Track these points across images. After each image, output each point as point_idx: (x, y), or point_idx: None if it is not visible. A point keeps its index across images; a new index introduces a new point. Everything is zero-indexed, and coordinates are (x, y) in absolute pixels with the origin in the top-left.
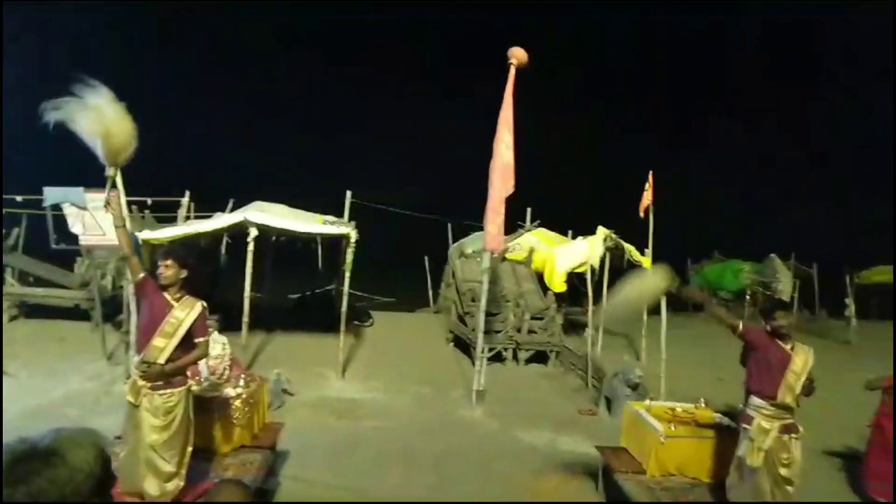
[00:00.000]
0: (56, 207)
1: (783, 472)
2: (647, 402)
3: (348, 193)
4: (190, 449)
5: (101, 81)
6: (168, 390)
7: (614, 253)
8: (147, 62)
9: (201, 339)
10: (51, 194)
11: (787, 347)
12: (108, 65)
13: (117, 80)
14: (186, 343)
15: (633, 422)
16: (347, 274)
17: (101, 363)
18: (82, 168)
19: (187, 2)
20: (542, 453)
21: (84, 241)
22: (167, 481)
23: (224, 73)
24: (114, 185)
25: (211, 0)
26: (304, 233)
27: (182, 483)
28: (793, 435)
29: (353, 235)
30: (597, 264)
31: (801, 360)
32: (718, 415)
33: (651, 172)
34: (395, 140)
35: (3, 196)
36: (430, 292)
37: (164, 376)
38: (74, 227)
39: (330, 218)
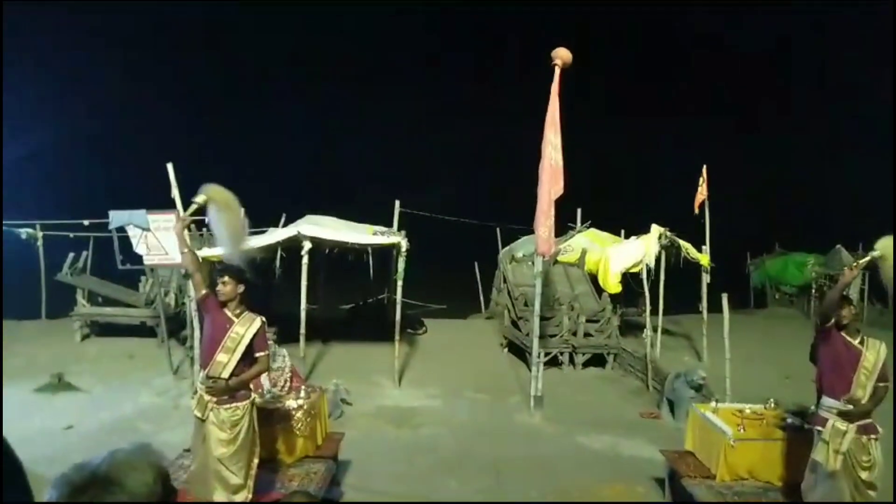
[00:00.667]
0: (121, 230)
1: (863, 475)
2: (713, 403)
3: (397, 203)
4: (256, 461)
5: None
6: (233, 404)
7: (670, 251)
8: (194, 76)
9: (262, 354)
10: (116, 217)
11: (856, 342)
12: (153, 80)
13: (163, 98)
14: (248, 357)
15: (698, 425)
16: (400, 283)
17: (168, 378)
18: (141, 191)
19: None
20: (604, 458)
21: (148, 260)
22: (235, 493)
23: (271, 84)
24: (193, 213)
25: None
26: (355, 244)
27: (250, 495)
28: (872, 436)
29: (404, 244)
30: (652, 263)
31: (873, 354)
32: (789, 415)
33: (705, 167)
34: (442, 146)
35: (71, 221)
36: (482, 298)
37: (229, 391)
38: (139, 247)
39: (380, 228)
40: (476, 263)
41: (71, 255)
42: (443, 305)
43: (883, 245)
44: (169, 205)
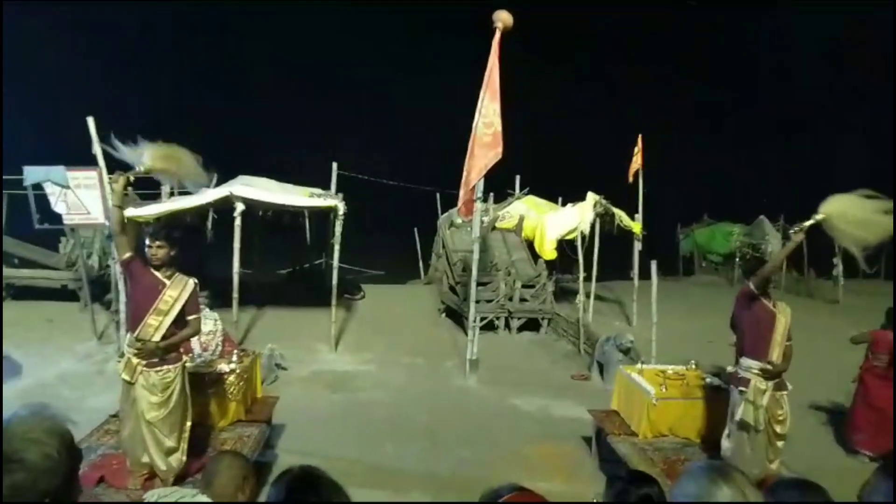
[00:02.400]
0: (37, 187)
1: (777, 428)
2: (639, 365)
3: (334, 165)
4: (189, 424)
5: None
6: (164, 367)
7: (604, 219)
8: (130, 33)
9: (194, 317)
10: (32, 173)
11: (771, 306)
12: (86, 34)
13: (95, 49)
14: (179, 320)
15: (624, 385)
16: (337, 247)
17: (91, 343)
18: (62, 146)
19: None
20: (536, 419)
21: (68, 220)
22: (168, 455)
23: (205, 45)
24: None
25: None
26: (291, 206)
27: (184, 457)
28: (783, 391)
29: (341, 208)
30: (587, 231)
31: (785, 317)
32: (708, 376)
33: (640, 137)
34: (380, 110)
35: None
36: (421, 263)
37: (160, 353)
38: (57, 206)
39: (317, 191)
40: (416, 229)
41: None
42: (381, 272)
43: (826, 208)
44: (89, 161)
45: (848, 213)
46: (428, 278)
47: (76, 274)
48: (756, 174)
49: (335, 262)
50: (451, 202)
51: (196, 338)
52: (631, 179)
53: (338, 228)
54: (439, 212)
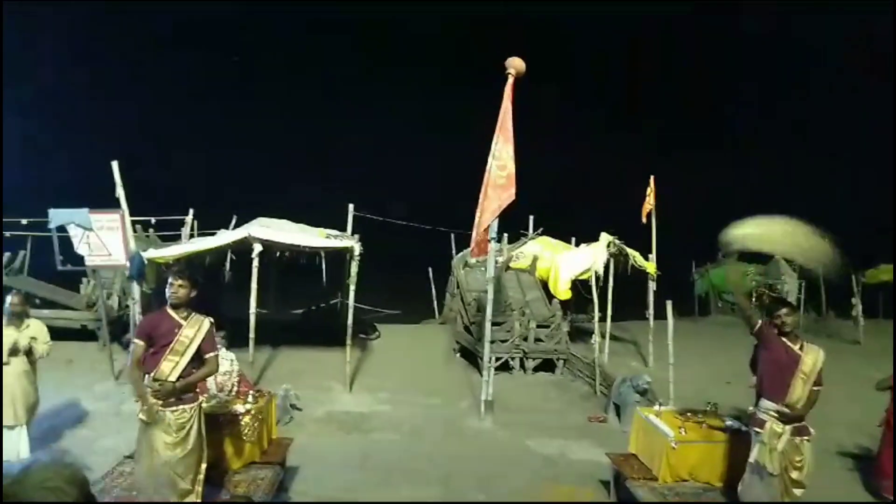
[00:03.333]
0: (61, 229)
1: (794, 474)
2: (657, 407)
3: (350, 206)
4: (204, 465)
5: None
6: (180, 406)
7: (618, 259)
8: (144, 79)
9: (211, 355)
10: (56, 216)
11: (796, 347)
12: (107, 82)
13: (115, 99)
14: (196, 360)
15: (642, 428)
16: (352, 287)
17: (109, 383)
18: (86, 190)
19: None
20: (552, 462)
21: (90, 261)
22: (183, 497)
23: (223, 90)
24: None
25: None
26: (307, 247)
27: (198, 500)
28: (804, 437)
29: (357, 248)
30: (601, 271)
31: (811, 360)
32: (728, 418)
33: (652, 177)
34: (394, 151)
35: (8, 220)
36: (435, 303)
37: (176, 393)
38: (80, 248)
39: (333, 232)
40: (430, 269)
41: (7, 254)
42: (396, 311)
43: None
44: (113, 204)
45: (782, 237)
46: (442, 318)
47: (96, 314)
48: (771, 213)
49: (350, 302)
50: (465, 243)
51: (212, 378)
52: (644, 220)
53: (353, 269)
54: (453, 252)
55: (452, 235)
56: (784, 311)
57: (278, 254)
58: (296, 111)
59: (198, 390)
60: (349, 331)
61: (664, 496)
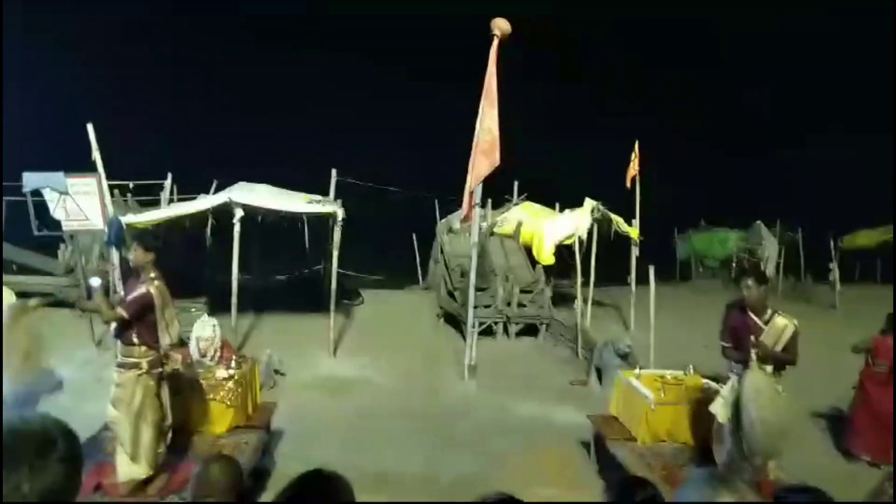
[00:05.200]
0: (36, 193)
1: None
2: (637, 370)
3: (333, 172)
4: (154, 441)
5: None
6: (119, 370)
7: (602, 224)
8: (126, 45)
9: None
10: (30, 180)
11: (760, 320)
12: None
13: (97, 65)
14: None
15: (623, 391)
16: (335, 253)
17: (90, 350)
18: (63, 153)
19: None
20: (534, 424)
21: (67, 226)
22: (132, 462)
23: (203, 53)
24: None
25: None
26: (290, 212)
27: (150, 471)
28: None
29: (340, 214)
30: (584, 236)
31: (775, 332)
32: (706, 381)
33: (637, 142)
34: (377, 116)
35: None
36: (419, 269)
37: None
38: (56, 212)
39: (315, 197)
40: (414, 235)
41: None
42: (380, 277)
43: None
44: (88, 168)
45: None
46: (426, 284)
47: (75, 280)
48: (753, 178)
49: (334, 268)
50: (449, 208)
51: (195, 343)
52: (629, 185)
53: (337, 234)
54: (437, 218)
55: (436, 201)
56: (748, 281)
57: (260, 219)
58: (280, 73)
59: (144, 359)
60: (333, 296)
61: (643, 456)
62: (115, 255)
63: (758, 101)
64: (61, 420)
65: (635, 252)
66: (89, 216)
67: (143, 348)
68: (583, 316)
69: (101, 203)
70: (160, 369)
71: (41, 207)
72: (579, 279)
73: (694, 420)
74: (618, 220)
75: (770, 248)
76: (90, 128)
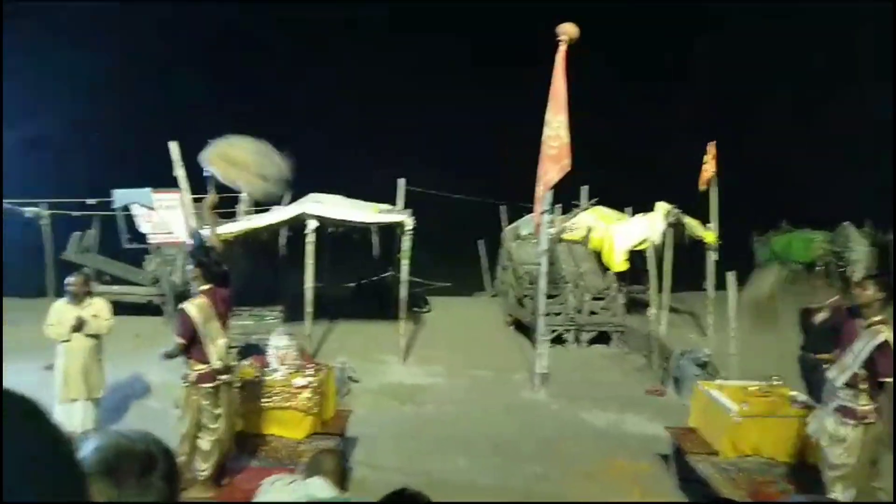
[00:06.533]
0: (125, 208)
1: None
2: (718, 380)
3: (400, 181)
4: (208, 448)
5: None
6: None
7: (676, 229)
8: (189, 52)
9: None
10: (120, 196)
11: (865, 324)
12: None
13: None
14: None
15: (703, 402)
16: (405, 262)
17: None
18: (148, 170)
19: None
20: (609, 435)
21: (152, 239)
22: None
23: (268, 63)
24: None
25: None
26: (360, 222)
27: (205, 480)
28: (847, 420)
29: (409, 223)
30: (658, 241)
31: (864, 341)
32: (795, 392)
33: (712, 143)
34: (444, 125)
35: (75, 200)
36: (487, 276)
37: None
38: (143, 226)
39: (385, 206)
40: (481, 241)
41: (76, 234)
42: (447, 283)
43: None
44: (173, 183)
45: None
46: (494, 291)
47: (160, 290)
48: (840, 176)
49: (403, 276)
50: (515, 214)
51: (274, 352)
52: (704, 186)
53: (406, 243)
54: (504, 224)
55: (503, 208)
56: (865, 283)
57: (331, 229)
58: (346, 86)
59: (194, 371)
60: (402, 304)
61: (727, 471)
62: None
63: (846, 93)
64: (161, 439)
65: (712, 257)
66: (173, 229)
67: (193, 362)
68: (657, 323)
69: (184, 217)
70: (214, 382)
71: (130, 222)
72: (653, 285)
73: (782, 434)
74: (693, 224)
75: (859, 252)
76: (173, 146)
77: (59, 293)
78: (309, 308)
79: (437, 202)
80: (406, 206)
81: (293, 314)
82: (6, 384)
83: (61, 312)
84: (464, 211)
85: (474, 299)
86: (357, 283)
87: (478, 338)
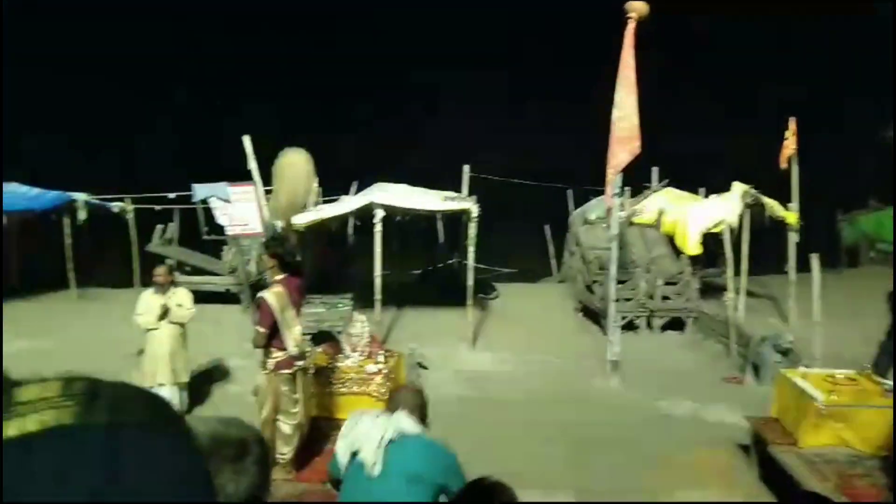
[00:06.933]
0: (204, 202)
1: None
2: (802, 368)
3: (465, 168)
4: (282, 426)
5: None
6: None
7: (754, 210)
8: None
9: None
10: (199, 190)
11: None
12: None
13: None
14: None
15: (786, 390)
16: (471, 249)
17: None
18: (223, 165)
19: None
20: (686, 424)
21: (230, 231)
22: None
23: (337, 56)
24: None
25: None
26: (427, 211)
27: (277, 457)
28: None
29: (475, 210)
30: (735, 223)
31: None
32: (886, 381)
33: (793, 119)
34: (507, 105)
35: (157, 195)
36: (553, 261)
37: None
38: (221, 218)
39: (450, 194)
40: (547, 227)
41: (159, 226)
42: (513, 270)
43: None
44: (247, 177)
45: None
46: (561, 276)
47: (237, 279)
48: None
49: (470, 264)
50: (581, 198)
51: (346, 339)
52: (784, 165)
53: (472, 230)
54: (570, 208)
55: (569, 192)
56: None
57: (398, 218)
58: (409, 73)
59: (273, 358)
60: (469, 291)
61: (813, 463)
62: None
63: None
64: (253, 426)
65: (794, 238)
66: (249, 221)
67: (271, 349)
68: (735, 308)
69: (258, 209)
70: (292, 368)
71: (208, 214)
72: (730, 269)
73: (872, 425)
74: (772, 205)
75: None
76: (246, 140)
77: (144, 283)
78: (378, 295)
79: (499, 186)
80: (470, 193)
81: (362, 301)
82: (98, 371)
83: (148, 302)
84: (528, 196)
85: (541, 285)
86: (423, 270)
87: (546, 324)
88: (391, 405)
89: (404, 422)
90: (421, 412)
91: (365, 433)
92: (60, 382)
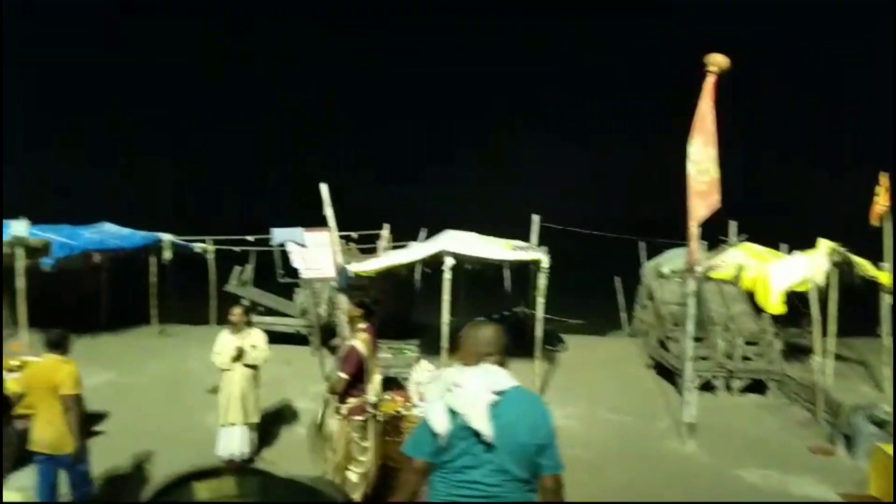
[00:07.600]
0: (281, 245)
1: None
2: None
3: (535, 217)
4: (349, 469)
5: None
6: None
7: (842, 269)
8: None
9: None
10: (278, 234)
11: None
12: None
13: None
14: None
15: (885, 466)
16: (540, 300)
17: (320, 385)
18: (298, 210)
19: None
20: (769, 495)
21: (304, 274)
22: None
23: (407, 105)
24: None
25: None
26: (496, 260)
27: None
28: None
29: (545, 261)
30: (822, 282)
31: None
32: None
33: (885, 174)
34: (578, 156)
35: (237, 237)
36: (624, 315)
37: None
38: (296, 262)
39: (520, 244)
40: (618, 279)
41: (237, 267)
42: (581, 321)
43: None
44: (322, 223)
45: None
46: (632, 330)
47: (308, 321)
48: None
49: (539, 315)
50: (654, 251)
51: (414, 388)
52: (876, 222)
53: (541, 280)
54: (642, 260)
55: (642, 244)
56: None
57: (467, 266)
58: (480, 123)
59: (347, 404)
60: (537, 342)
61: None
62: (342, 300)
63: None
64: (339, 485)
65: (887, 299)
66: (322, 265)
67: (346, 395)
68: (822, 373)
69: (332, 254)
70: (364, 416)
71: (284, 257)
72: (817, 330)
73: None
74: (862, 264)
75: None
76: (323, 187)
77: (220, 321)
78: (445, 342)
79: (568, 236)
80: (540, 243)
81: (428, 348)
82: (172, 407)
83: (225, 342)
84: (599, 246)
85: (610, 338)
86: (488, 317)
87: (616, 379)
88: (475, 349)
89: (500, 376)
90: (505, 353)
91: (468, 397)
92: (235, 480)
